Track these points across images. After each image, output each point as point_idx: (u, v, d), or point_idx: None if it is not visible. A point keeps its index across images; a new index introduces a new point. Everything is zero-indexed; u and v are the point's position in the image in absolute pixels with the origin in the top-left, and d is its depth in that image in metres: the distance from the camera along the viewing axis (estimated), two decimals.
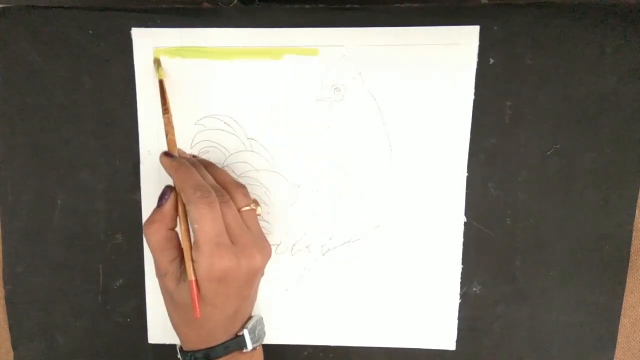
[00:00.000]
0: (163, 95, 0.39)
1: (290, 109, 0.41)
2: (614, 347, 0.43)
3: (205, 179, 0.36)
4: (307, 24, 0.40)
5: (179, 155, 0.37)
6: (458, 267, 0.42)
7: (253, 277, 0.36)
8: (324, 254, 0.43)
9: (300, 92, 0.41)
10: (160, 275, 0.36)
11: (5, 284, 0.44)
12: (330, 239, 0.43)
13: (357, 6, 0.39)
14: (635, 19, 0.39)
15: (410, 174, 0.41)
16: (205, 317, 0.35)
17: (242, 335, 0.37)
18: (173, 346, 0.44)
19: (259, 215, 0.38)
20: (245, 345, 0.37)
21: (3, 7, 0.40)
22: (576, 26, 0.39)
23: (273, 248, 0.43)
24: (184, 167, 0.35)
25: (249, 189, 0.42)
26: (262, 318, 0.40)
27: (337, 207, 0.42)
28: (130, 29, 0.40)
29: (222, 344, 0.36)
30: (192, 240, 0.34)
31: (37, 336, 0.45)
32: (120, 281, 0.44)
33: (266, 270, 0.43)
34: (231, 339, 0.37)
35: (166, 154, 0.36)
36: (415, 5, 0.39)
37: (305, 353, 0.45)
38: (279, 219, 0.42)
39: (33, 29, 0.41)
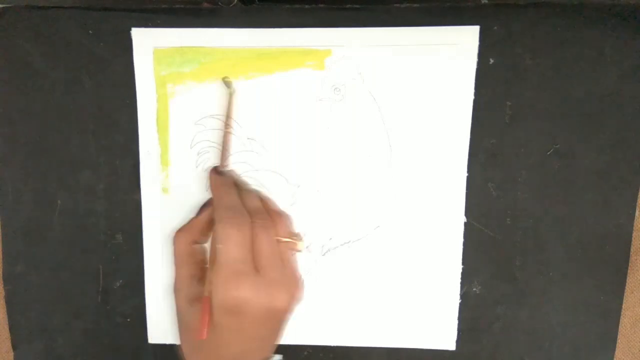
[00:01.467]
0: (229, 112, 0.36)
1: (290, 108, 0.41)
2: (614, 347, 0.43)
3: (249, 201, 0.33)
4: (307, 24, 0.40)
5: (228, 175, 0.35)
6: (458, 267, 0.42)
7: (273, 317, 0.31)
8: (323, 254, 0.43)
9: (301, 92, 0.41)
10: (175, 289, 0.33)
11: (5, 284, 0.44)
12: (330, 239, 0.43)
13: (357, 6, 0.39)
14: (635, 19, 0.39)
15: (410, 174, 0.41)
16: (210, 348, 0.31)
17: None
18: (173, 346, 0.44)
19: (299, 251, 0.35)
20: None
21: (3, 7, 0.40)
22: (576, 26, 0.39)
23: None
24: (225, 186, 0.33)
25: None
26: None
27: (337, 207, 0.42)
28: (130, 29, 0.40)
29: None
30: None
31: (37, 336, 0.45)
32: (120, 281, 0.44)
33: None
34: None
35: (215, 171, 0.34)
36: (415, 5, 0.39)
37: (305, 353, 0.45)
38: None
39: (33, 29, 0.41)
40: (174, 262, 0.33)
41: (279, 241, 0.33)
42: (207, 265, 0.33)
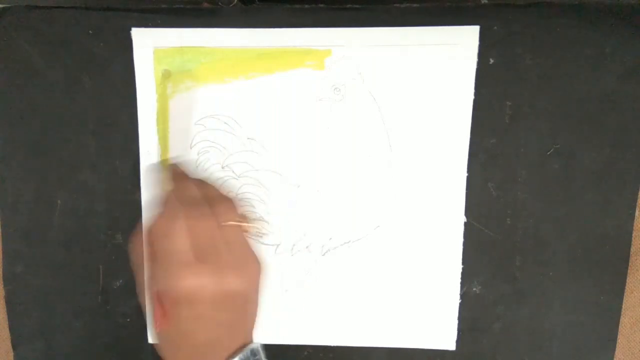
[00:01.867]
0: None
1: (290, 108, 0.41)
2: (614, 347, 0.43)
3: (186, 192, 0.33)
4: (307, 24, 0.40)
5: (172, 169, 0.35)
6: (458, 267, 0.42)
7: (229, 301, 0.31)
8: (324, 254, 0.43)
9: (301, 92, 0.41)
10: (139, 292, 0.34)
11: (5, 284, 0.44)
12: (330, 239, 0.43)
13: (357, 6, 0.39)
14: (635, 19, 0.39)
15: (410, 174, 0.41)
16: (180, 341, 0.31)
17: None
18: None
19: (246, 232, 0.34)
20: None
21: (3, 7, 0.40)
22: (576, 26, 0.39)
23: (273, 248, 0.43)
24: (158, 184, 0.34)
25: (249, 189, 0.42)
26: (259, 349, 0.34)
27: (337, 207, 0.42)
28: (130, 29, 0.40)
29: None
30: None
31: (37, 336, 0.45)
32: (120, 281, 0.44)
33: (266, 270, 0.43)
34: None
35: (154, 168, 0.34)
36: (415, 5, 0.39)
37: (305, 353, 0.45)
38: (279, 219, 0.42)
39: (33, 29, 0.41)
40: (133, 267, 0.33)
41: (223, 226, 0.32)
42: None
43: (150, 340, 0.44)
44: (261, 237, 0.35)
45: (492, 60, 0.40)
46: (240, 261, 0.32)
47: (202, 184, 0.35)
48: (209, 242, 0.31)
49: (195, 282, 0.30)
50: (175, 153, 0.42)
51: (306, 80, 0.41)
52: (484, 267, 0.42)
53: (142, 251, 0.33)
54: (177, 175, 0.34)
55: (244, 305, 0.33)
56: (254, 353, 0.33)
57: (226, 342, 0.33)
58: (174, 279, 0.30)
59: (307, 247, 0.43)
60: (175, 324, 0.31)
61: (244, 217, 0.34)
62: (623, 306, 0.42)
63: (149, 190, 0.42)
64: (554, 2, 0.39)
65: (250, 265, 0.33)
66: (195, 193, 0.33)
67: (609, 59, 0.39)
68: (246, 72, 0.41)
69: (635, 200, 0.41)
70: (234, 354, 0.32)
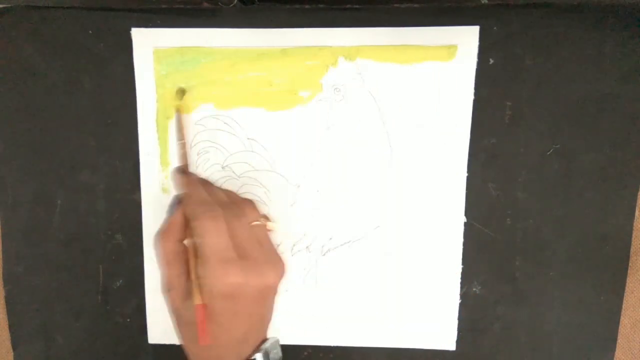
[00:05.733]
0: (179, 125, 0.39)
1: (290, 109, 0.41)
2: (614, 347, 0.43)
3: (215, 195, 0.35)
4: (307, 24, 0.40)
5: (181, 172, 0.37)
6: (458, 267, 0.42)
7: (264, 295, 0.34)
8: (324, 254, 0.43)
9: (300, 93, 0.41)
10: (165, 290, 0.35)
11: (5, 284, 0.44)
12: (331, 239, 0.43)
13: (357, 6, 0.39)
14: (635, 19, 0.39)
15: (410, 174, 0.41)
16: (213, 338, 0.33)
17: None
18: (173, 346, 0.44)
19: (269, 230, 0.37)
20: None
21: (3, 7, 0.40)
22: (576, 26, 0.39)
23: None
24: (192, 184, 0.35)
25: (249, 188, 0.42)
26: (278, 340, 0.37)
27: (337, 207, 0.42)
28: (130, 29, 0.40)
29: None
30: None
31: (37, 336, 0.45)
32: (120, 281, 0.44)
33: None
34: None
35: (179, 170, 0.36)
36: (415, 5, 0.39)
37: (305, 353, 0.45)
38: (279, 219, 0.42)
39: (33, 29, 0.41)
40: (161, 263, 0.35)
41: (251, 226, 0.35)
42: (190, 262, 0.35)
43: (150, 340, 0.44)
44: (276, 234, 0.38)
45: (492, 60, 0.40)
46: (271, 257, 0.35)
47: (225, 190, 0.38)
48: (246, 240, 0.33)
49: (240, 277, 0.31)
50: (175, 153, 0.42)
51: (306, 80, 0.40)
52: (484, 267, 0.43)
53: (173, 247, 0.34)
54: (190, 177, 0.36)
55: (273, 298, 0.35)
56: (274, 346, 0.36)
57: (254, 336, 0.35)
58: (221, 275, 0.31)
59: (307, 247, 0.43)
60: (216, 322, 0.32)
61: (266, 217, 0.37)
62: (623, 306, 0.42)
63: (149, 190, 0.42)
64: (554, 2, 0.39)
65: (278, 262, 0.35)
66: (223, 197, 0.36)
67: (609, 60, 0.39)
68: (246, 72, 0.41)
69: (635, 200, 0.41)
70: (258, 347, 0.35)
